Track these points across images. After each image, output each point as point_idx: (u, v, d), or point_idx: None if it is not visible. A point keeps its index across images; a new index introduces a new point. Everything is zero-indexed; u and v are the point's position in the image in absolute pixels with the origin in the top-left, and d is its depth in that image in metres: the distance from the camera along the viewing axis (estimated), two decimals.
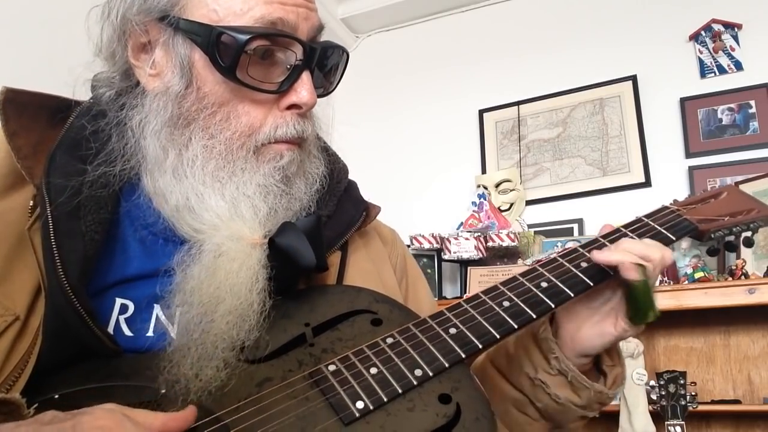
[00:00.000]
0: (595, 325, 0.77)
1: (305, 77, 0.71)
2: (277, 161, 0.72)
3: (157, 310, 0.71)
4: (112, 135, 0.73)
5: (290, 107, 0.72)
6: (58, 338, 0.64)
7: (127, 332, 0.70)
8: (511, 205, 2.92)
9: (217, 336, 0.63)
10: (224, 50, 0.68)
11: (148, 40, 0.72)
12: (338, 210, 0.84)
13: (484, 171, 3.08)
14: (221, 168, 0.70)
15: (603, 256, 0.74)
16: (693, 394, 2.10)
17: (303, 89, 0.71)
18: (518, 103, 3.10)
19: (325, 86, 0.78)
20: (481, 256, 2.66)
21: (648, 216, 0.84)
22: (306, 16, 0.72)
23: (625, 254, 0.73)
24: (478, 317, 0.71)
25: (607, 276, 0.76)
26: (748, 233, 0.84)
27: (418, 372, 0.65)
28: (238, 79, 0.69)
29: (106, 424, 0.51)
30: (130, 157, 0.72)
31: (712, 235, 0.83)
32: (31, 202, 0.68)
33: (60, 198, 0.66)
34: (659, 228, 0.81)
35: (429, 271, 2.77)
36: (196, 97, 0.70)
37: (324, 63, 0.76)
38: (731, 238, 0.83)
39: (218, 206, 0.69)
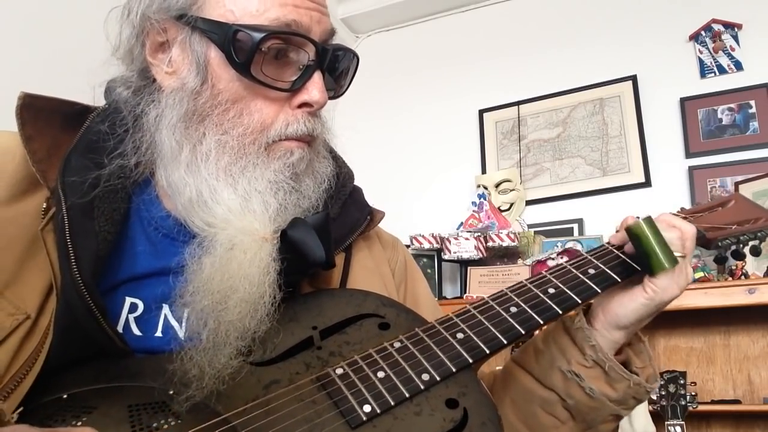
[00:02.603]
0: (625, 294, 0.78)
1: (317, 77, 0.73)
2: (287, 158, 0.73)
3: (165, 310, 0.72)
4: (128, 130, 0.74)
5: (301, 106, 0.73)
6: (68, 337, 0.64)
7: (137, 332, 0.70)
8: (511, 205, 2.93)
9: (230, 324, 0.64)
10: (240, 48, 0.69)
11: (166, 39, 0.73)
12: (343, 213, 0.85)
13: (484, 171, 3.09)
14: (234, 163, 0.72)
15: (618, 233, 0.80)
16: (693, 394, 2.11)
17: (314, 88, 0.72)
18: (518, 103, 3.10)
19: (335, 89, 0.80)
20: (481, 256, 2.67)
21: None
22: (319, 19, 0.73)
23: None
24: (486, 322, 0.71)
25: (613, 282, 0.76)
26: (755, 242, 0.85)
27: (425, 376, 0.65)
28: (253, 76, 0.70)
29: None
30: (145, 151, 0.73)
31: (720, 244, 0.84)
32: (44, 205, 0.69)
33: (75, 196, 0.67)
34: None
35: (429, 271, 2.78)
36: (210, 94, 0.71)
37: (335, 66, 0.77)
38: (738, 246, 0.84)
39: (230, 200, 0.70)
